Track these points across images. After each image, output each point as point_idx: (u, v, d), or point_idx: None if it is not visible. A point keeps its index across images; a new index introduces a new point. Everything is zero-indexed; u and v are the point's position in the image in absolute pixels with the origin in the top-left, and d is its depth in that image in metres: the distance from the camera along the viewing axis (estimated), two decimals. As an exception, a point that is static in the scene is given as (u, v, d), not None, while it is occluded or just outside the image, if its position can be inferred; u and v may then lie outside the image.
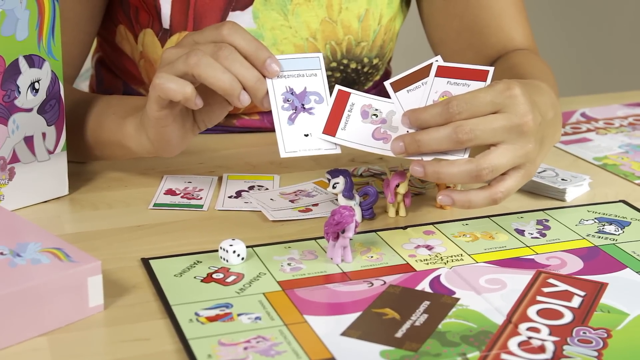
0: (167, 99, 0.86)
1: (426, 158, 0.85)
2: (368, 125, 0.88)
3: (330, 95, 0.89)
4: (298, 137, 0.87)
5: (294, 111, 0.88)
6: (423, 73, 0.89)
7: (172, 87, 0.85)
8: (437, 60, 0.89)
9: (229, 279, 0.81)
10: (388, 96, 0.90)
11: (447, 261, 0.85)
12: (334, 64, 1.16)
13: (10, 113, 0.91)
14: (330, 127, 0.88)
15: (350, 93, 0.89)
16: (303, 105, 0.88)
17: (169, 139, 0.92)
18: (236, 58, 0.85)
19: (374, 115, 0.89)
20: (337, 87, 0.89)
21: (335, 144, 0.88)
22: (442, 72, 0.88)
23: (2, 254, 0.76)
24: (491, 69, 0.87)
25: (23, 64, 0.91)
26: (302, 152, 0.87)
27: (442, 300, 0.79)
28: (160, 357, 0.71)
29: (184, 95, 0.85)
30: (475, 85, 0.86)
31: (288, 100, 0.88)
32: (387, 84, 0.89)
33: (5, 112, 0.91)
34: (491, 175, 0.84)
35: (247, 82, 0.86)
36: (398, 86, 0.89)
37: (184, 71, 0.85)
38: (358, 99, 0.89)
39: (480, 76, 0.87)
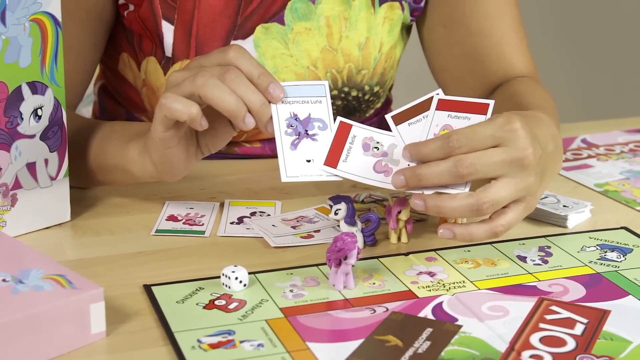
0: (173, 119, 0.87)
1: (427, 192, 0.85)
2: (369, 158, 0.89)
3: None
4: (300, 162, 0.87)
5: (297, 137, 0.88)
6: (424, 106, 0.89)
7: (178, 107, 0.86)
8: (437, 94, 0.89)
9: (231, 306, 0.81)
10: (389, 125, 0.90)
11: (450, 288, 0.85)
12: (335, 92, 1.16)
13: (12, 139, 0.91)
14: (332, 159, 0.88)
15: (352, 125, 0.90)
16: (307, 131, 0.88)
17: (173, 162, 0.92)
18: (242, 81, 0.86)
19: (375, 148, 0.89)
20: (339, 119, 0.90)
21: (337, 175, 0.88)
22: (442, 106, 0.88)
23: (4, 280, 0.76)
24: (491, 102, 0.87)
25: (26, 90, 0.91)
26: (303, 178, 0.87)
27: (444, 327, 0.78)
28: (162, 384, 0.71)
29: (190, 116, 0.86)
30: (476, 118, 0.86)
31: (292, 126, 0.88)
32: (388, 117, 0.90)
33: (7, 139, 0.91)
34: (492, 209, 0.84)
35: (252, 105, 0.86)
36: (399, 119, 0.90)
37: (190, 92, 0.86)
38: (359, 131, 0.90)
39: (481, 109, 0.87)
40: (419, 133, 0.88)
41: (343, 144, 0.89)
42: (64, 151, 0.96)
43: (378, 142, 0.89)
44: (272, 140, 1.17)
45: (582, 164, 1.18)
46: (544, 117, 0.93)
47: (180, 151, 0.91)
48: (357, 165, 0.88)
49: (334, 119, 0.90)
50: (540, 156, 0.87)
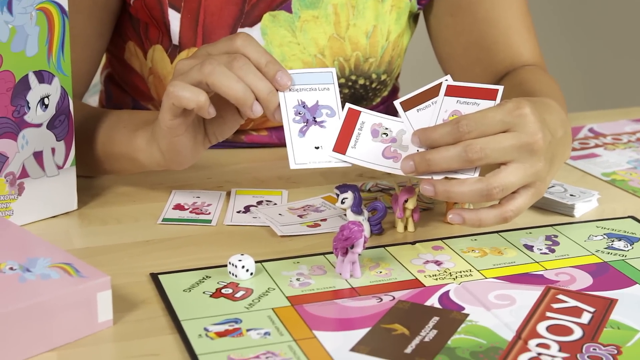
0: (181, 107, 0.87)
1: (436, 177, 0.85)
2: (378, 144, 0.88)
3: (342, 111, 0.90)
4: (308, 149, 0.87)
5: (305, 124, 0.88)
6: (433, 92, 0.89)
7: (186, 95, 0.86)
8: (446, 80, 0.89)
9: (238, 294, 0.81)
10: (397, 113, 0.90)
11: (456, 277, 0.85)
12: (342, 80, 1.16)
13: (20, 128, 0.92)
14: (341, 145, 0.88)
15: (360, 112, 0.89)
16: (315, 118, 0.88)
17: (180, 150, 0.92)
18: (250, 69, 0.86)
19: (384, 134, 0.89)
20: (348, 105, 0.90)
21: (345, 161, 0.88)
22: (451, 92, 0.88)
23: (11, 269, 0.76)
24: (501, 88, 0.87)
25: (33, 79, 0.91)
26: (312, 164, 0.87)
27: (451, 316, 0.78)
28: (169, 372, 0.71)
29: (198, 103, 0.86)
30: (485, 104, 0.86)
31: (300, 113, 0.88)
32: (397, 103, 0.90)
33: (15, 128, 0.91)
34: (501, 194, 0.84)
35: (259, 93, 0.86)
36: (408, 105, 0.89)
37: (198, 80, 0.86)
38: (368, 117, 0.89)
39: (490, 95, 0.87)
40: (427, 119, 0.88)
41: (352, 130, 0.89)
42: (71, 140, 0.96)
43: (387, 128, 0.89)
44: (279, 128, 1.17)
45: (589, 153, 1.18)
46: (553, 104, 0.93)
47: (187, 139, 0.91)
48: (366, 152, 0.88)
49: (342, 107, 0.90)
50: (550, 142, 0.87)
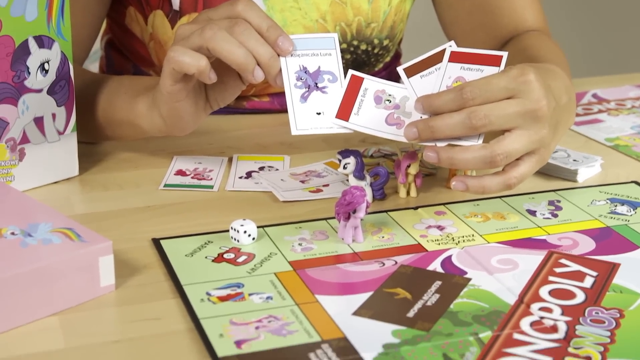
0: (181, 72, 0.86)
1: (440, 144, 0.84)
2: (381, 111, 0.88)
3: (345, 76, 0.89)
4: (310, 115, 0.87)
5: (307, 90, 0.87)
6: (436, 58, 0.88)
7: (186, 60, 0.85)
8: (450, 46, 0.88)
9: (240, 259, 0.81)
10: (399, 79, 0.89)
11: (459, 241, 0.85)
12: (344, 46, 1.15)
13: (20, 94, 0.91)
14: (344, 112, 0.88)
15: (363, 78, 0.89)
16: (316, 84, 0.88)
17: (182, 116, 0.91)
18: (251, 34, 0.85)
19: (387, 100, 0.88)
20: (351, 72, 0.89)
21: (348, 128, 0.87)
22: (455, 58, 0.87)
23: (13, 234, 0.76)
24: (505, 54, 0.86)
25: (32, 44, 0.91)
26: (313, 130, 0.87)
27: (453, 280, 0.78)
28: (171, 336, 0.71)
29: (198, 68, 0.85)
30: (489, 70, 0.86)
31: (301, 79, 0.87)
32: (400, 69, 0.89)
33: (15, 93, 0.91)
34: (505, 160, 0.84)
35: (261, 58, 0.86)
36: (411, 72, 0.89)
37: (199, 45, 0.85)
38: (371, 84, 0.89)
39: (494, 61, 0.86)
40: (431, 85, 0.87)
41: (355, 97, 0.88)
42: (72, 106, 0.96)
43: (390, 95, 0.88)
44: (281, 94, 1.16)
45: (592, 119, 1.17)
46: (558, 70, 0.92)
47: (189, 105, 0.91)
48: (369, 118, 0.87)
49: (344, 73, 0.89)
50: (554, 108, 0.86)
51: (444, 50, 0.88)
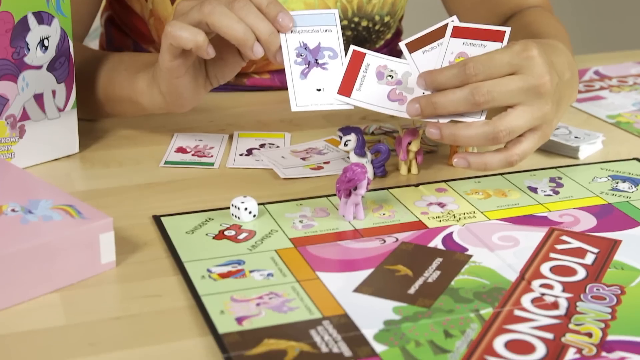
0: (180, 47, 0.86)
1: (442, 120, 0.84)
2: (383, 87, 0.87)
3: (345, 53, 0.88)
4: (310, 91, 0.86)
5: (307, 66, 0.87)
6: (438, 34, 0.88)
7: (184, 34, 0.85)
8: (452, 21, 0.88)
9: (241, 236, 0.81)
10: (401, 56, 0.89)
11: (460, 218, 0.85)
12: (344, 22, 1.15)
13: (19, 70, 0.91)
14: (345, 88, 0.87)
15: (365, 54, 0.88)
16: (316, 60, 0.87)
17: (181, 92, 0.91)
18: (251, 9, 0.85)
19: (390, 76, 0.88)
20: (352, 47, 0.89)
21: (350, 104, 0.87)
22: (457, 33, 0.87)
23: (13, 210, 0.76)
24: (508, 30, 0.86)
25: (32, 20, 0.90)
26: (313, 107, 0.86)
27: (454, 257, 0.78)
28: (172, 313, 0.71)
29: (196, 43, 0.85)
30: (492, 46, 0.85)
31: (301, 55, 0.87)
32: (402, 44, 0.88)
33: (14, 70, 0.90)
34: (508, 137, 0.83)
35: (260, 34, 0.85)
36: (413, 47, 0.88)
37: (197, 20, 0.85)
38: (373, 59, 0.88)
39: (497, 37, 0.86)
40: (433, 61, 0.87)
41: (357, 72, 0.88)
42: (72, 82, 0.95)
43: (392, 71, 0.88)
44: (281, 71, 1.16)
45: (594, 96, 1.17)
46: (561, 45, 0.92)
47: (188, 81, 0.90)
48: (371, 94, 0.87)
49: (345, 50, 0.89)
50: (557, 84, 0.86)
51: (446, 26, 0.88)
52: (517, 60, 0.83)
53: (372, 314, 0.70)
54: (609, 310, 0.71)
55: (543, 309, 0.71)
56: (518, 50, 0.83)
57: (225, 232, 0.82)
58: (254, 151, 0.99)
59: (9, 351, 0.66)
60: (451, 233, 0.82)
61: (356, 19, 1.15)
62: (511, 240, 0.81)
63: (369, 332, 0.68)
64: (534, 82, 0.83)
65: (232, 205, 0.84)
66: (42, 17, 0.91)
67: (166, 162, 0.96)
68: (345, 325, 0.68)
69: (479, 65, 0.82)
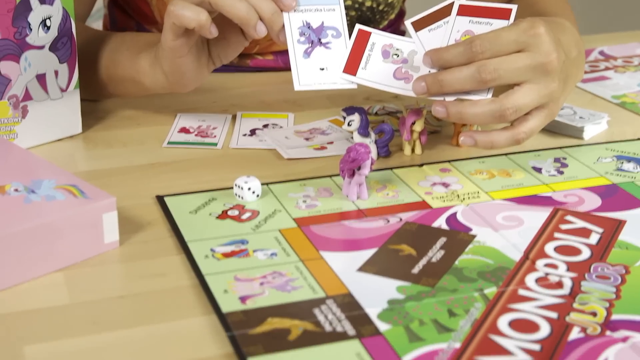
0: (182, 26, 0.86)
1: (448, 98, 0.84)
2: (389, 65, 0.87)
3: (349, 31, 0.88)
4: (314, 70, 0.86)
5: (310, 45, 0.87)
6: (444, 12, 0.87)
7: (186, 14, 0.84)
8: None
9: (244, 216, 0.81)
10: (406, 35, 0.88)
11: (464, 198, 0.85)
12: (348, 2, 1.14)
13: (22, 50, 0.90)
14: (351, 67, 0.87)
15: (371, 32, 0.88)
16: (320, 39, 0.87)
17: (184, 72, 0.91)
18: None
19: (395, 55, 0.87)
20: (358, 26, 0.88)
21: (355, 82, 0.87)
22: (464, 11, 0.86)
23: (16, 190, 0.75)
24: (514, 7, 0.85)
25: (34, 0, 0.90)
26: (317, 86, 0.86)
27: (458, 237, 0.78)
28: (176, 292, 0.71)
29: (199, 22, 0.84)
30: (498, 24, 0.85)
31: (304, 34, 0.87)
32: (407, 23, 0.88)
33: (17, 50, 0.90)
34: (515, 115, 0.83)
35: (263, 13, 0.85)
36: (419, 25, 0.88)
37: None
38: (379, 38, 0.88)
39: (504, 14, 0.85)
40: (439, 39, 0.86)
41: (362, 51, 0.87)
42: (74, 62, 0.95)
43: (398, 49, 0.88)
44: (284, 52, 1.15)
45: (599, 76, 1.16)
46: (567, 23, 0.91)
47: (191, 61, 0.90)
48: (376, 72, 0.87)
49: (348, 29, 0.88)
50: (564, 62, 0.85)
51: (452, 4, 0.87)
52: (524, 38, 0.82)
53: (376, 293, 0.70)
54: (614, 289, 0.71)
55: (547, 289, 0.71)
56: (525, 28, 0.82)
57: (229, 212, 0.82)
58: (257, 131, 0.98)
59: (13, 329, 0.66)
60: (455, 213, 0.82)
61: (360, -1, 1.15)
62: (515, 220, 0.81)
63: (372, 311, 0.68)
64: (540, 59, 0.82)
65: (236, 185, 0.84)
66: (45, -3, 0.91)
67: (169, 143, 0.96)
68: (349, 305, 0.68)
69: (486, 42, 0.82)
